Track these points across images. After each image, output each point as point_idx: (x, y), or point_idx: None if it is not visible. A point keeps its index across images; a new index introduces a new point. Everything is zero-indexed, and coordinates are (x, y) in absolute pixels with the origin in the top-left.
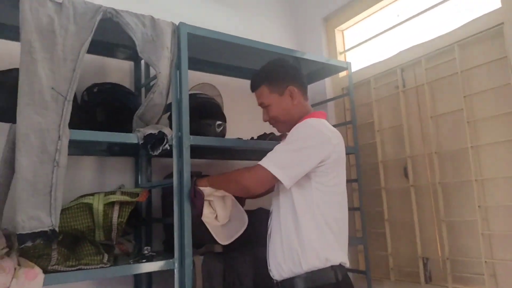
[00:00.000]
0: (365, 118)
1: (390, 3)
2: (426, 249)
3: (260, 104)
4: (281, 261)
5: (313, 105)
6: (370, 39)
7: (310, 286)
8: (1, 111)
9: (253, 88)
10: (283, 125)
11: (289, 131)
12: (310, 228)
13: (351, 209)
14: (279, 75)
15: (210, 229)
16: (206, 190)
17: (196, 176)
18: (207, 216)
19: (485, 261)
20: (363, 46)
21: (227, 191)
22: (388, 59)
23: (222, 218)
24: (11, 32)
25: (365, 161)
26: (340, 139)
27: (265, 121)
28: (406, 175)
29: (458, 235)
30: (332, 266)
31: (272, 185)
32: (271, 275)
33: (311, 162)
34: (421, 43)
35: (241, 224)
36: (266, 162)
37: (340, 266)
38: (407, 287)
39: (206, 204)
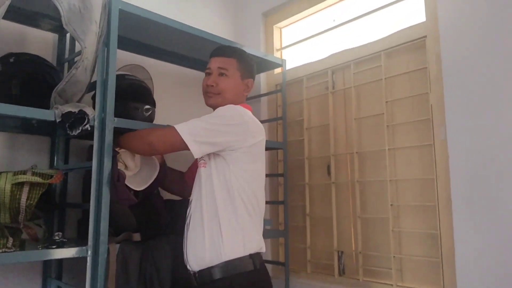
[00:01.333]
0: (295, 115)
1: (327, 6)
2: (342, 243)
3: (217, 69)
4: (201, 252)
5: (247, 99)
6: (306, 39)
7: (228, 275)
8: (15, 98)
9: (223, 53)
10: (220, 99)
11: (217, 106)
12: (230, 217)
13: (275, 202)
14: (249, 64)
15: (126, 181)
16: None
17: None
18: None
19: (394, 256)
20: (299, 46)
21: (131, 148)
22: (321, 60)
23: (132, 167)
24: None
25: (292, 157)
26: (259, 128)
27: (208, 84)
28: (329, 172)
29: (372, 231)
30: (250, 255)
31: (177, 149)
32: (188, 266)
33: (223, 140)
34: (352, 48)
35: (153, 169)
36: (181, 127)
37: (258, 254)
38: (322, 278)
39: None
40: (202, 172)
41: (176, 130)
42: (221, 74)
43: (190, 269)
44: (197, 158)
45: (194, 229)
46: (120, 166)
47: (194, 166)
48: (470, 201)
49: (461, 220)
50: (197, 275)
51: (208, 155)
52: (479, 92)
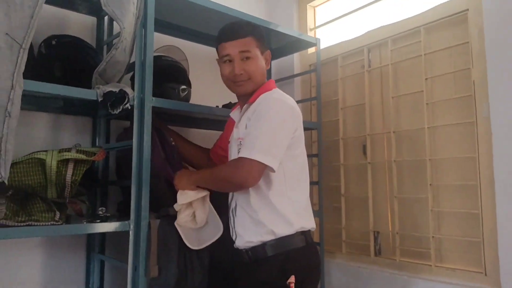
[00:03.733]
0: (330, 95)
1: None
2: (378, 223)
3: (239, 54)
4: (250, 233)
5: (280, 80)
6: (340, 16)
7: (281, 251)
8: (58, 80)
9: (240, 35)
10: (251, 84)
11: (250, 93)
12: (280, 199)
13: (310, 183)
14: (263, 35)
15: (181, 232)
16: (190, 193)
17: (173, 164)
18: (183, 219)
19: (432, 236)
20: (333, 24)
21: (219, 190)
22: (356, 38)
23: (200, 220)
24: None
25: (327, 137)
26: (297, 106)
27: (237, 73)
28: (364, 152)
29: (409, 211)
30: (302, 231)
31: (263, 174)
32: (236, 245)
33: (288, 137)
34: (389, 24)
35: (216, 231)
36: (250, 152)
37: (309, 231)
38: (358, 259)
39: (184, 207)
40: None
41: (250, 159)
42: (246, 58)
43: (240, 247)
44: (230, 139)
45: (243, 212)
46: (188, 216)
47: (223, 143)
48: None
49: (504, 200)
50: (250, 252)
51: None
52: None
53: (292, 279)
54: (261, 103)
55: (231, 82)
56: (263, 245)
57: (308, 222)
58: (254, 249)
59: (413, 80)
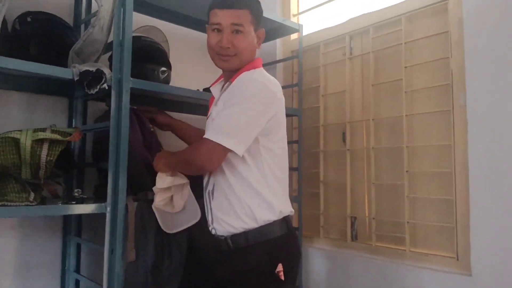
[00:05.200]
0: (311, 82)
1: None
2: (355, 209)
3: (231, 25)
4: (232, 217)
5: (263, 66)
6: (323, 3)
7: (264, 240)
8: (33, 58)
9: (236, 5)
10: (237, 61)
11: (234, 70)
12: (261, 183)
13: (289, 169)
14: (261, 11)
15: (157, 215)
16: (167, 179)
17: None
18: (160, 203)
19: (407, 222)
20: (316, 11)
21: (186, 173)
22: (338, 26)
23: (178, 206)
24: None
25: (307, 124)
26: (280, 90)
27: (224, 45)
28: (344, 139)
29: (386, 198)
30: (284, 218)
31: (225, 157)
32: (213, 231)
33: (261, 122)
34: (371, 12)
35: (193, 216)
36: (213, 134)
37: (289, 216)
38: (335, 243)
39: (162, 190)
40: None
41: (212, 141)
42: (236, 32)
43: (217, 234)
44: (208, 116)
45: (221, 194)
46: (163, 201)
47: None
48: (488, 168)
49: (477, 187)
50: (229, 240)
51: None
52: (501, 57)
53: (280, 267)
54: (238, 83)
55: (215, 53)
56: (246, 233)
57: (287, 207)
58: (235, 237)
59: (393, 68)
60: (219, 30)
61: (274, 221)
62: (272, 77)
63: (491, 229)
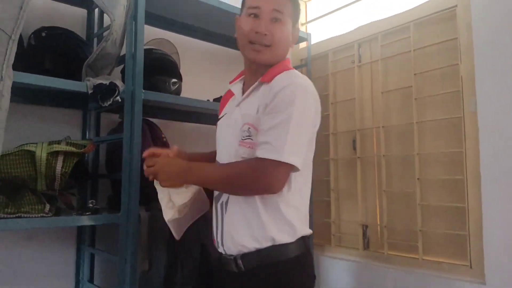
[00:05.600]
0: (321, 90)
1: None
2: (367, 217)
3: (271, 11)
4: (243, 235)
5: None
6: (331, 12)
7: (281, 260)
8: (48, 72)
9: None
10: (270, 54)
11: (264, 65)
12: (285, 199)
13: None
14: (299, 9)
15: (171, 229)
16: (188, 192)
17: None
18: (169, 214)
19: (420, 230)
20: (324, 19)
21: (229, 193)
22: (346, 34)
23: (181, 210)
24: None
25: (317, 133)
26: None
27: (262, 31)
28: (354, 147)
29: (397, 205)
30: (302, 237)
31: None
32: (220, 249)
33: (310, 133)
34: (379, 20)
35: (198, 210)
36: (280, 154)
37: (308, 236)
38: (346, 252)
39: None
40: (245, 152)
41: (279, 162)
42: (275, 20)
43: (226, 253)
44: (223, 116)
45: (237, 207)
46: (170, 209)
47: None
48: (500, 175)
49: (490, 194)
50: (239, 260)
51: (254, 134)
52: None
53: None
54: (285, 88)
55: (247, 42)
56: (259, 251)
57: (306, 228)
58: (245, 256)
59: (402, 75)
60: (256, 16)
61: (292, 242)
62: (307, 78)
63: (504, 236)
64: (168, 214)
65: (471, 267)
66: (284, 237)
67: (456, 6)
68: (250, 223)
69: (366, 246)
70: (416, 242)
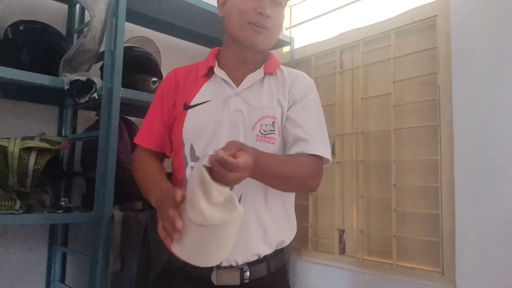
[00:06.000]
0: None
1: None
2: (344, 222)
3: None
4: (255, 240)
5: None
6: (315, 17)
7: (283, 265)
8: (25, 66)
9: None
10: (269, 39)
11: (260, 50)
12: (291, 199)
13: None
14: None
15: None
16: (226, 190)
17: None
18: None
19: (394, 236)
20: (308, 24)
21: (280, 187)
22: (329, 39)
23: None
24: None
25: None
26: None
27: (267, 13)
28: (333, 152)
29: (373, 211)
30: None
31: None
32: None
33: None
34: (361, 27)
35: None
36: (328, 153)
37: None
38: (323, 256)
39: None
40: (268, 148)
41: (326, 159)
42: (277, 3)
43: (230, 265)
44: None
45: (251, 210)
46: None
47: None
48: (473, 183)
49: (463, 201)
50: (246, 272)
51: (278, 128)
52: (487, 74)
53: None
54: (312, 84)
55: (247, 22)
56: (267, 257)
57: None
58: (254, 265)
59: (382, 82)
60: None
61: (286, 246)
62: None
63: (476, 244)
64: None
65: (443, 274)
66: (290, 238)
67: (436, 16)
68: (267, 228)
69: (343, 250)
70: (391, 247)
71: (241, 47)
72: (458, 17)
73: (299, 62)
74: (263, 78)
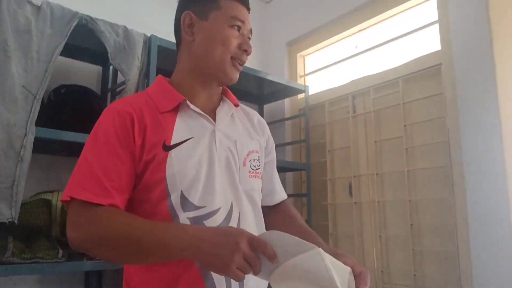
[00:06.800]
0: (318, 138)
1: (349, 35)
2: (364, 261)
3: (249, 32)
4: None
5: (272, 123)
6: (327, 66)
7: None
8: (65, 124)
9: (248, 5)
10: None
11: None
12: None
13: None
14: None
15: None
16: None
17: None
18: None
19: (414, 274)
20: (322, 72)
21: None
22: (342, 86)
23: None
24: None
25: (315, 178)
26: None
27: (249, 52)
28: (350, 192)
29: (392, 249)
30: None
31: None
32: None
33: None
34: (371, 75)
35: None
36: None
37: None
38: None
39: None
40: (260, 184)
41: None
42: (249, 38)
43: None
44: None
45: None
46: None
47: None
48: (486, 220)
49: (478, 239)
50: None
51: (261, 162)
52: (490, 116)
53: None
54: (265, 123)
55: (229, 58)
56: None
57: None
58: None
59: (393, 126)
60: (238, 28)
61: None
62: None
63: (494, 279)
64: None
65: None
66: None
67: (441, 64)
68: None
69: None
70: (411, 285)
71: (210, 78)
72: (462, 65)
73: (314, 108)
74: (231, 110)
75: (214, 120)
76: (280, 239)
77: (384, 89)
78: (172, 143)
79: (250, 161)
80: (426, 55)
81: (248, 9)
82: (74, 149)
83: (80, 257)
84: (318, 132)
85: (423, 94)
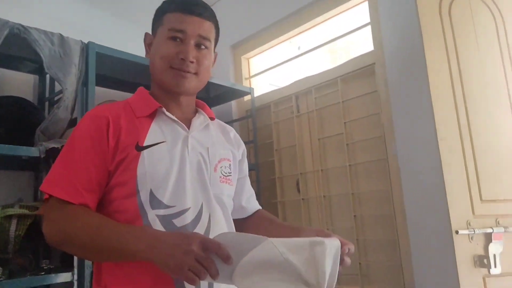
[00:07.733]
0: (265, 138)
1: (292, 36)
2: None
3: (197, 37)
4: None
5: None
6: (271, 68)
7: None
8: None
9: (204, 15)
10: (195, 82)
11: (189, 93)
12: None
13: None
14: (219, 31)
15: None
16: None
17: None
18: None
19: (360, 263)
20: (267, 73)
21: None
22: (285, 87)
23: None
24: None
25: (264, 177)
26: None
27: (189, 59)
28: (298, 189)
29: None
30: None
31: None
32: None
33: None
34: (312, 75)
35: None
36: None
37: None
38: None
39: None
40: (231, 190)
41: None
42: (202, 47)
43: None
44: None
45: None
46: None
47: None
48: (422, 209)
49: (415, 227)
50: None
51: (232, 170)
52: (422, 112)
53: None
54: (238, 137)
55: (168, 67)
56: None
57: None
58: None
59: (334, 123)
60: (181, 40)
61: None
62: None
63: (431, 262)
64: None
65: None
66: None
67: (374, 63)
68: None
69: None
70: (357, 274)
71: (170, 89)
72: (393, 64)
73: (260, 109)
74: (205, 121)
75: (189, 128)
76: (234, 239)
77: (324, 89)
78: (145, 144)
79: (221, 167)
80: (361, 55)
81: (197, 14)
82: (11, 162)
83: (23, 274)
84: (265, 132)
85: (359, 93)
